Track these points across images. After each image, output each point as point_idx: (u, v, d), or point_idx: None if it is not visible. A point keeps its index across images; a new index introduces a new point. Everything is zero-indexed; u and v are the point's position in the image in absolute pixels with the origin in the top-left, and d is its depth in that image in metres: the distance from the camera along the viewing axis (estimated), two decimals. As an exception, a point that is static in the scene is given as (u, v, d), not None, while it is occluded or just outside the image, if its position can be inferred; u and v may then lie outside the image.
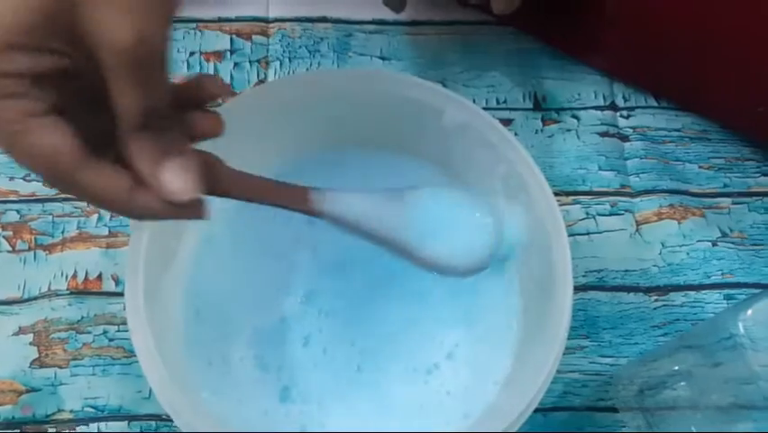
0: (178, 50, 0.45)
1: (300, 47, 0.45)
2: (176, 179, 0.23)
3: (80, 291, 0.38)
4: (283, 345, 0.32)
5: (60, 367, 0.37)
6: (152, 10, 0.20)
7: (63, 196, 0.41)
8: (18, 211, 0.40)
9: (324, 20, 0.46)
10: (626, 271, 0.40)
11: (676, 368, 0.35)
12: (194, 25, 0.46)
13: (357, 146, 0.35)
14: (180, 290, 0.33)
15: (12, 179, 0.41)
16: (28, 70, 0.21)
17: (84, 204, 0.41)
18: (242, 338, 0.32)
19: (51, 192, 0.41)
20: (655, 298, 0.40)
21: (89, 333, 0.38)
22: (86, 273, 0.39)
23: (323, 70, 0.43)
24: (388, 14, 0.46)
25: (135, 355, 0.31)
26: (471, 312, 0.33)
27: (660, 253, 0.41)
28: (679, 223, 0.41)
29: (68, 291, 0.38)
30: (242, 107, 0.32)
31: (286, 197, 0.27)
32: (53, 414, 0.36)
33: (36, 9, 0.20)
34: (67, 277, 0.39)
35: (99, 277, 0.39)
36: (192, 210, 0.24)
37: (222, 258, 0.34)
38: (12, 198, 0.41)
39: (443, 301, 0.34)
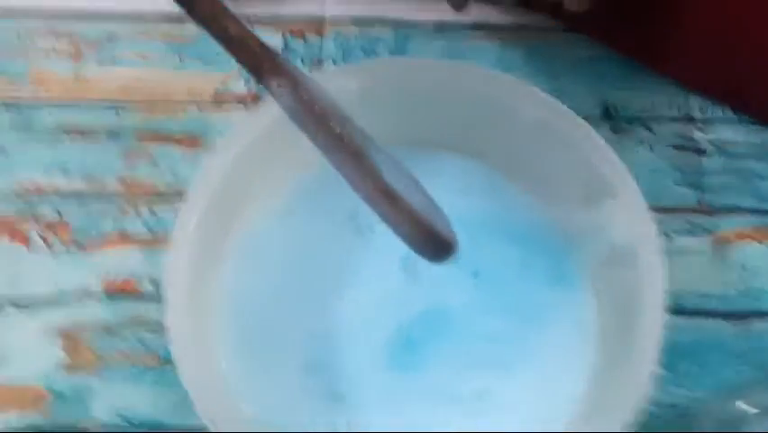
0: (228, 47, 0.43)
1: (355, 47, 0.43)
2: None
3: (115, 293, 0.36)
4: (335, 351, 0.29)
5: (90, 373, 0.34)
6: None
7: (104, 192, 0.39)
8: (55, 207, 0.38)
9: (381, 20, 0.44)
10: (704, 295, 0.37)
11: (757, 407, 0.31)
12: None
13: (410, 145, 0.33)
14: (224, 292, 0.30)
15: (50, 173, 0.39)
16: None
17: (124, 201, 0.39)
18: (290, 344, 0.30)
19: (92, 188, 0.39)
20: (735, 324, 0.36)
21: (123, 338, 0.35)
22: (123, 274, 0.37)
23: (382, 59, 0.40)
24: (449, 16, 0.43)
25: (170, 364, 0.28)
26: (536, 326, 0.30)
27: (740, 277, 0.37)
28: (761, 244, 0.38)
29: (102, 293, 0.36)
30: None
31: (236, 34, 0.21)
32: (80, 423, 0.33)
33: None
34: (102, 277, 0.37)
35: (136, 278, 0.37)
36: None
37: (269, 259, 0.31)
38: (49, 193, 0.39)
39: (504, 310, 0.30)
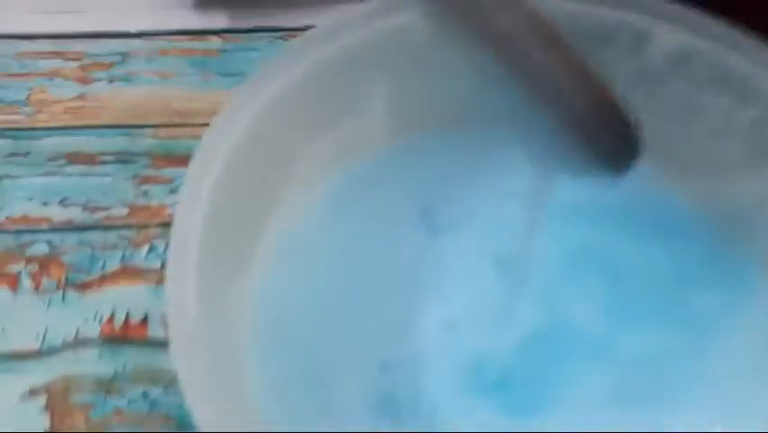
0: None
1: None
2: None
3: (116, 339, 0.28)
4: (417, 385, 0.20)
5: (80, 444, 0.26)
6: None
7: (107, 223, 0.31)
8: (49, 242, 0.31)
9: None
10: None
11: None
12: (279, 34, 0.38)
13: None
14: (252, 315, 0.21)
15: (45, 204, 0.32)
16: None
17: (134, 233, 0.31)
18: (352, 378, 0.21)
19: (95, 219, 0.31)
20: None
21: (123, 395, 0.27)
22: (128, 315, 0.29)
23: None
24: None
25: (190, 428, 0.20)
26: (703, 342, 0.21)
27: None
28: None
29: (99, 339, 0.28)
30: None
31: None
32: None
33: None
34: (101, 320, 0.28)
35: (144, 320, 0.28)
36: None
37: (315, 268, 0.23)
38: (42, 226, 0.32)
39: (656, 324, 0.21)
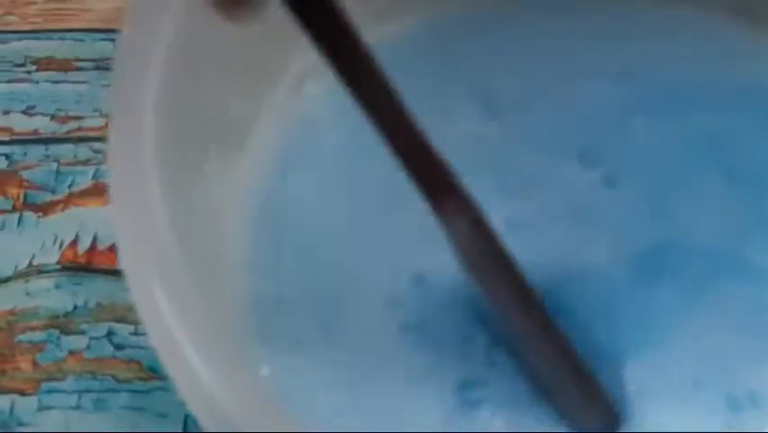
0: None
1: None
2: None
3: (79, 267, 0.22)
4: (451, 312, 0.14)
5: (24, 393, 0.20)
6: None
7: (79, 135, 0.26)
8: (8, 156, 0.26)
9: None
10: None
11: None
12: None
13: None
14: (244, 202, 0.16)
15: (6, 113, 0.27)
16: None
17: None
18: (377, 295, 0.15)
19: (63, 130, 0.26)
20: None
21: (83, 333, 0.21)
22: (95, 240, 0.23)
23: None
24: None
25: (157, 376, 0.18)
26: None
27: None
28: None
29: (58, 266, 0.22)
30: None
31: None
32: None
33: None
34: (62, 245, 0.23)
35: (114, 247, 0.23)
36: None
37: (332, 150, 0.17)
38: (1, 137, 0.26)
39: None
